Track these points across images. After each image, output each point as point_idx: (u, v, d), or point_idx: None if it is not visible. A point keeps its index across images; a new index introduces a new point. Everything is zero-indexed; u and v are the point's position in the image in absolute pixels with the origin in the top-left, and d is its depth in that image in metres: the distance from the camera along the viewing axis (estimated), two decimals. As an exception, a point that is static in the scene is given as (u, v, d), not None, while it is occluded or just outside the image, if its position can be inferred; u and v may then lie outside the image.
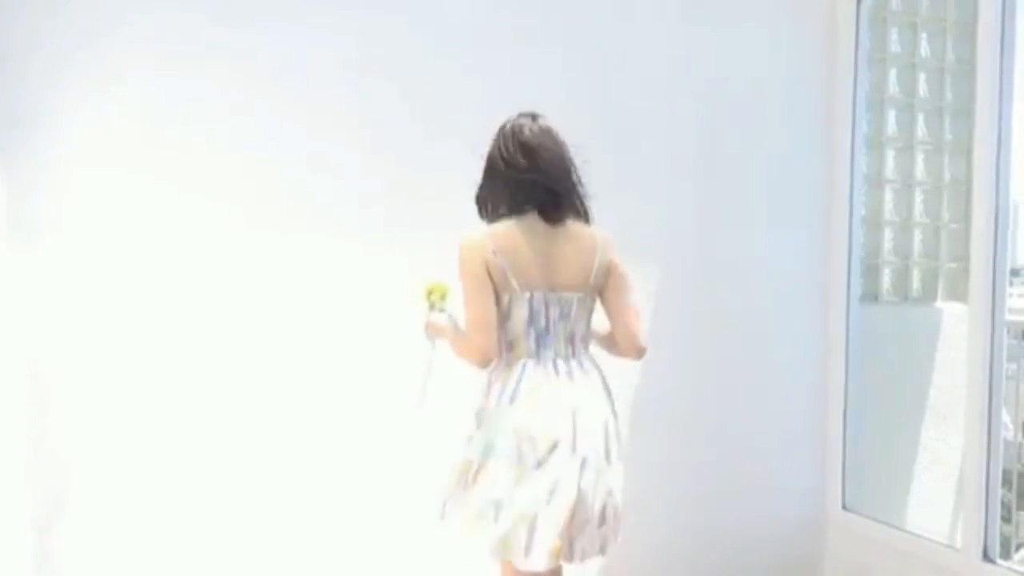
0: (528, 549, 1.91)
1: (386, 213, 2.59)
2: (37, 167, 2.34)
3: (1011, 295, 2.64)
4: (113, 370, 2.44)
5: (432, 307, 2.17)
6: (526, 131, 2.03)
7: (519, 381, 1.98)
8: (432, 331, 2.16)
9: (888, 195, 3.69)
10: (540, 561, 1.90)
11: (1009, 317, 2.63)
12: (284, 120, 2.54)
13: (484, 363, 2.00)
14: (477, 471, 1.97)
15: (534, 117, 2.05)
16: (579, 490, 1.93)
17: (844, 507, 3.17)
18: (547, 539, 1.90)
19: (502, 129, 2.06)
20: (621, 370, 2.94)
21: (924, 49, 3.68)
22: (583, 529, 1.94)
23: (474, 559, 2.10)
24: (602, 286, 2.09)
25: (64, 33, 2.34)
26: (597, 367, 2.12)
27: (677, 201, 2.99)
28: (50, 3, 2.32)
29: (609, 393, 2.11)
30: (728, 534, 3.10)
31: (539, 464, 1.92)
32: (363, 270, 2.55)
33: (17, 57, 2.30)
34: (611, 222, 2.35)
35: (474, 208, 2.09)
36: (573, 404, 1.97)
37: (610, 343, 2.16)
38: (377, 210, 2.58)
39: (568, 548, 1.94)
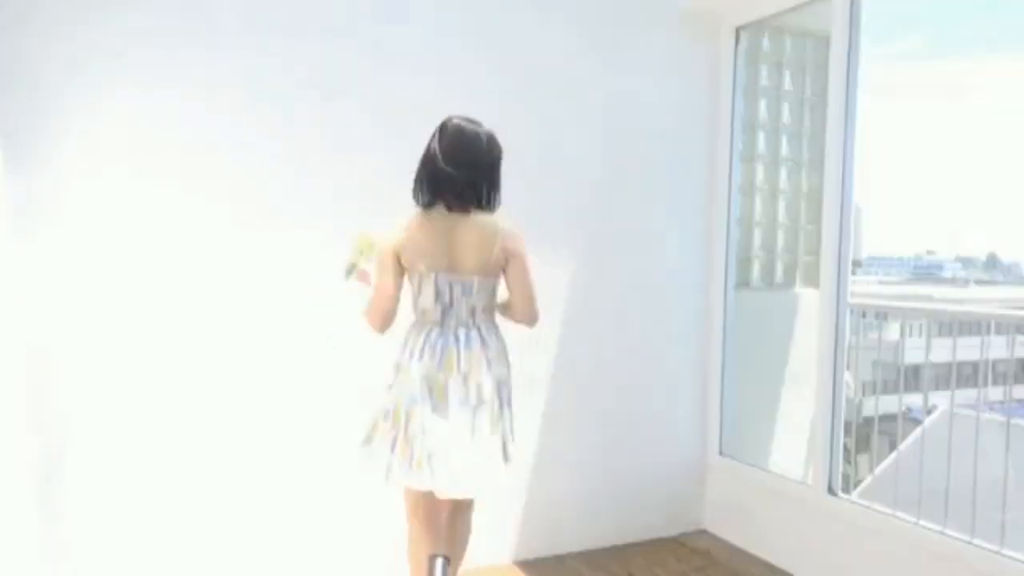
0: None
1: (361, 213, 2.46)
2: (40, 170, 2.34)
3: (853, 282, 2.84)
4: (109, 351, 2.46)
5: (361, 255, 2.16)
6: (449, 128, 2.09)
7: (424, 342, 2.12)
8: (363, 279, 2.19)
9: (758, 201, 3.85)
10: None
11: (851, 300, 2.83)
12: (275, 128, 2.59)
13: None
14: (407, 418, 2.07)
15: (470, 120, 2.11)
16: (474, 429, 2.08)
17: (721, 453, 3.42)
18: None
19: (441, 125, 2.11)
20: (543, 340, 3.01)
21: (787, 83, 3.86)
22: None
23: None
24: (504, 267, 2.14)
25: (66, 50, 2.35)
26: (499, 337, 2.20)
27: (589, 198, 3.14)
28: (55, 24, 2.34)
29: (506, 359, 2.21)
30: (626, 475, 3.28)
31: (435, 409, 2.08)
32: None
33: (26, 71, 2.31)
34: (535, 215, 2.54)
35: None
36: (464, 368, 2.10)
37: (509, 311, 2.23)
38: (353, 210, 2.54)
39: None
